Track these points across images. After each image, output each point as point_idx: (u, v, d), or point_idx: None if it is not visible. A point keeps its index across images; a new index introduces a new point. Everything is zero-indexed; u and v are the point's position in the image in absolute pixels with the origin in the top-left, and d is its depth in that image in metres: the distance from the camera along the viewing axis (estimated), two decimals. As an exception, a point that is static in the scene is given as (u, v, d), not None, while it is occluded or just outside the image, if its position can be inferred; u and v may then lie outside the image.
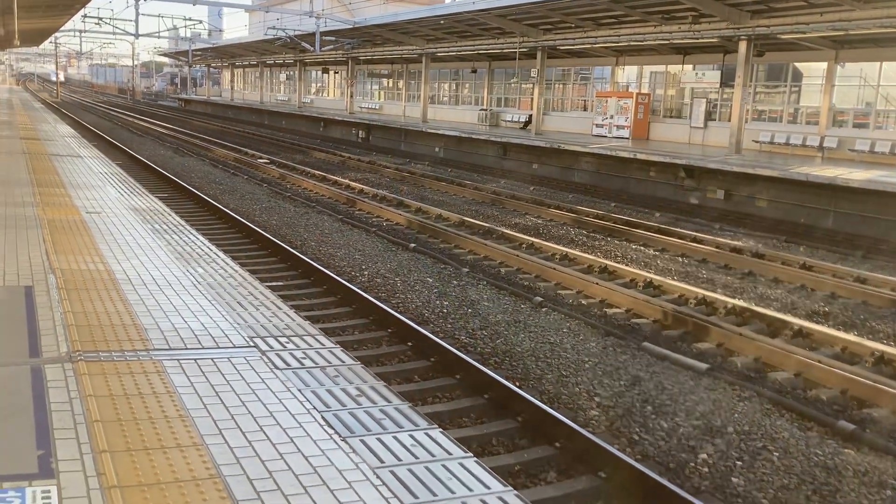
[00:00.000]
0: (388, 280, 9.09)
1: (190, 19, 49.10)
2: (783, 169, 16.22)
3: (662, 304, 8.25)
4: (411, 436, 3.12)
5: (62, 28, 46.85)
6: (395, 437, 3.10)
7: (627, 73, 27.70)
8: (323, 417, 3.20)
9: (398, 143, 31.47)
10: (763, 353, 6.98)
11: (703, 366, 6.60)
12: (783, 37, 18.39)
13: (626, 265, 10.55)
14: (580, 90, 30.33)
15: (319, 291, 8.45)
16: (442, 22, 26.54)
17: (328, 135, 37.32)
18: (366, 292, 8.08)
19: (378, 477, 2.73)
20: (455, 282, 9.18)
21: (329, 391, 3.52)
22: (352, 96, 40.46)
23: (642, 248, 12.18)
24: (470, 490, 2.73)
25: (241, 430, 3.01)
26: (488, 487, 2.75)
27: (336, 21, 33.87)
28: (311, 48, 35.52)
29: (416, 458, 2.94)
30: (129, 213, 7.87)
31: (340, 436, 3.04)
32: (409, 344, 6.74)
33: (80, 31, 50.31)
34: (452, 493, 2.70)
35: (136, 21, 36.83)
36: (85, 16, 41.43)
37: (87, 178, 10.54)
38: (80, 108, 56.93)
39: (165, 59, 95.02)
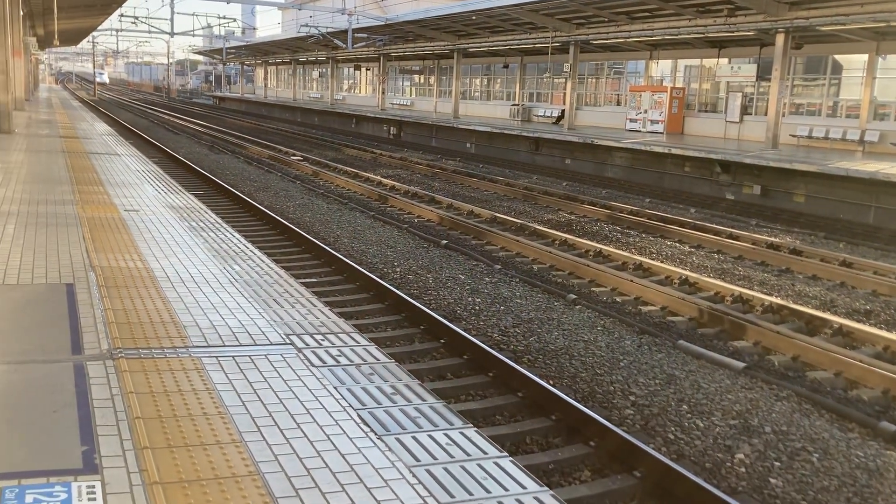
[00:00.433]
0: (420, 276, 9.11)
1: (224, 17, 49.75)
2: (822, 164, 15.92)
3: (698, 301, 8.16)
4: (446, 434, 3.13)
5: (99, 27, 47.75)
6: (430, 436, 3.10)
7: (661, 67, 27.40)
8: (359, 415, 3.22)
9: (429, 140, 31.49)
10: (801, 352, 6.87)
11: (740, 364, 6.51)
12: (822, 28, 18.04)
13: (661, 262, 10.44)
14: (613, 84, 30.06)
15: (352, 288, 8.50)
16: (473, 17, 26.49)
17: (360, 131, 37.49)
18: (398, 289, 8.11)
19: (414, 475, 2.74)
20: (487, 278, 9.17)
21: (364, 389, 3.54)
22: (383, 93, 40.60)
23: (677, 244, 12.04)
24: (506, 490, 2.72)
25: (278, 427, 3.04)
26: (524, 487, 2.75)
27: (368, 18, 34.01)
28: (344, 45, 35.73)
29: (452, 456, 2.94)
30: (166, 211, 7.99)
31: (376, 434, 3.06)
32: (442, 341, 6.74)
33: (117, 31, 51.26)
34: (488, 492, 2.70)
35: (172, 20, 37.48)
36: (122, 15, 42.31)
37: (124, 176, 10.72)
38: (116, 105, 57.89)
39: (200, 58, 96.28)
